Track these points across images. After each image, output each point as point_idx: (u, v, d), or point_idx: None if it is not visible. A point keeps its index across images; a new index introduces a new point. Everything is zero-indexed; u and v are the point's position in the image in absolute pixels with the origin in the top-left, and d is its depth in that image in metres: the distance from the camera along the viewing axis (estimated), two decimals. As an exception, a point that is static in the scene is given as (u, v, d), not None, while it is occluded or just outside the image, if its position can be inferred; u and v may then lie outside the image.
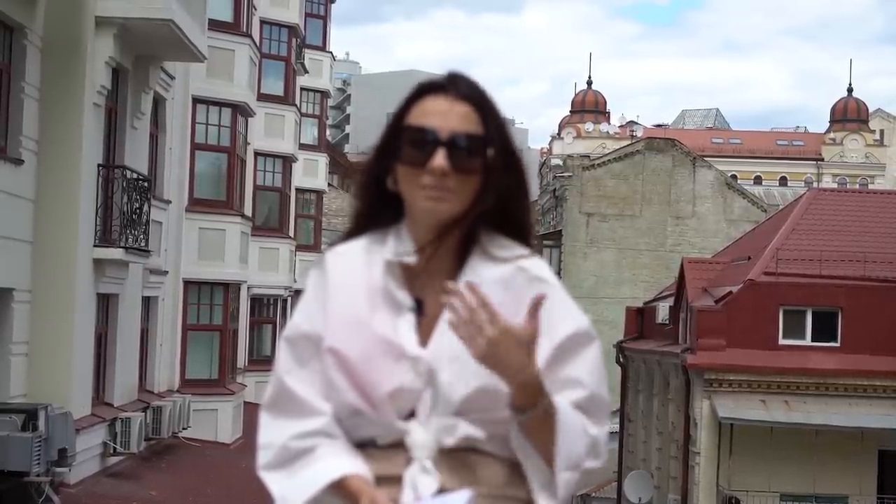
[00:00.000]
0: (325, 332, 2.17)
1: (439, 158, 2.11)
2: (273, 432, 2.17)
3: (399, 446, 2.12)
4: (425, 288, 2.18)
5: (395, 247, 2.20)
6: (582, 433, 2.12)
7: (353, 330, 2.15)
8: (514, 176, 2.21)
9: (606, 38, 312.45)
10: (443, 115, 2.14)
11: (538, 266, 2.21)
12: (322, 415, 2.15)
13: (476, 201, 2.16)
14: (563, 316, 2.18)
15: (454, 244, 2.20)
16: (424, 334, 2.15)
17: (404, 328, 2.15)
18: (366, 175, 2.24)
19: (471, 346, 2.02)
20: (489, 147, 2.15)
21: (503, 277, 2.18)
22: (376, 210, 2.24)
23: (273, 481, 2.15)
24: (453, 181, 2.12)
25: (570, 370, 2.16)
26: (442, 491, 2.06)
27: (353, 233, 2.28)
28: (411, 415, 2.13)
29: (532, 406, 2.06)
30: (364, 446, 2.16)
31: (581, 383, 2.16)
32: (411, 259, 2.18)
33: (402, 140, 2.16)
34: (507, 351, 2.01)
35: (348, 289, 2.19)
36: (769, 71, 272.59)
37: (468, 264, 2.20)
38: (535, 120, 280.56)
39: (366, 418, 2.15)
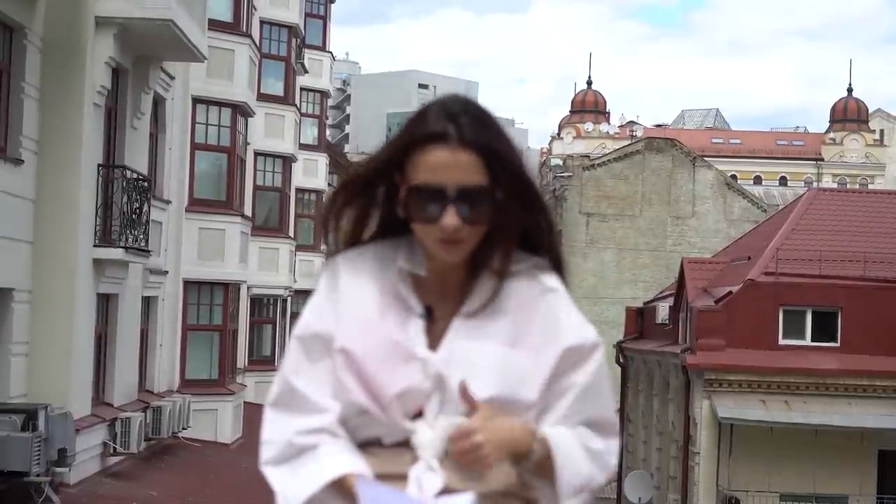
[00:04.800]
0: (336, 333, 2.19)
1: (450, 217, 2.11)
2: (277, 428, 2.19)
3: (405, 445, 2.14)
4: (435, 296, 2.22)
5: (409, 257, 2.23)
6: (582, 454, 2.16)
7: (363, 330, 2.18)
8: (534, 211, 2.23)
9: (613, 39, 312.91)
10: (447, 170, 2.13)
11: (547, 276, 2.24)
12: (327, 412, 2.17)
13: (490, 240, 2.18)
14: (569, 328, 2.21)
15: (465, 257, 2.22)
16: (434, 340, 2.18)
17: (414, 331, 2.18)
18: (358, 187, 2.25)
19: (477, 467, 2.06)
20: (498, 192, 2.15)
21: (514, 289, 2.21)
22: (387, 227, 2.26)
23: (275, 477, 2.17)
24: (466, 232, 2.14)
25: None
26: (446, 491, 2.06)
27: (355, 239, 2.29)
28: (419, 414, 2.14)
29: (528, 453, 2.11)
30: (369, 445, 2.17)
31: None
32: (423, 272, 2.22)
33: (412, 198, 2.15)
34: (500, 443, 2.07)
35: (360, 291, 2.22)
36: (773, 72, 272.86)
37: (480, 278, 2.22)
38: (541, 119, 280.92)
39: (373, 418, 2.16)
